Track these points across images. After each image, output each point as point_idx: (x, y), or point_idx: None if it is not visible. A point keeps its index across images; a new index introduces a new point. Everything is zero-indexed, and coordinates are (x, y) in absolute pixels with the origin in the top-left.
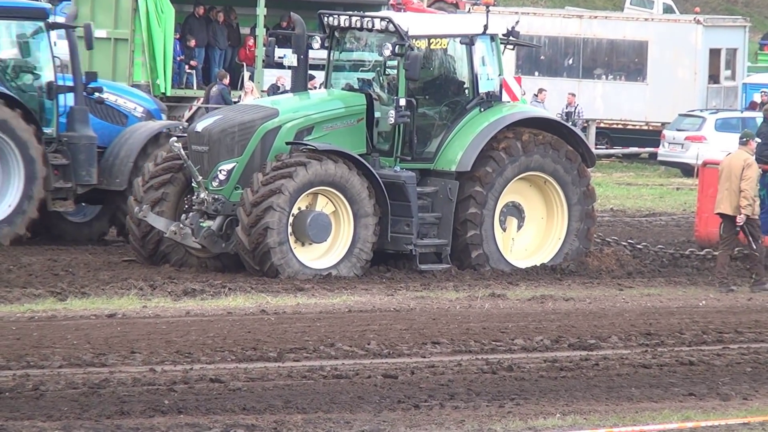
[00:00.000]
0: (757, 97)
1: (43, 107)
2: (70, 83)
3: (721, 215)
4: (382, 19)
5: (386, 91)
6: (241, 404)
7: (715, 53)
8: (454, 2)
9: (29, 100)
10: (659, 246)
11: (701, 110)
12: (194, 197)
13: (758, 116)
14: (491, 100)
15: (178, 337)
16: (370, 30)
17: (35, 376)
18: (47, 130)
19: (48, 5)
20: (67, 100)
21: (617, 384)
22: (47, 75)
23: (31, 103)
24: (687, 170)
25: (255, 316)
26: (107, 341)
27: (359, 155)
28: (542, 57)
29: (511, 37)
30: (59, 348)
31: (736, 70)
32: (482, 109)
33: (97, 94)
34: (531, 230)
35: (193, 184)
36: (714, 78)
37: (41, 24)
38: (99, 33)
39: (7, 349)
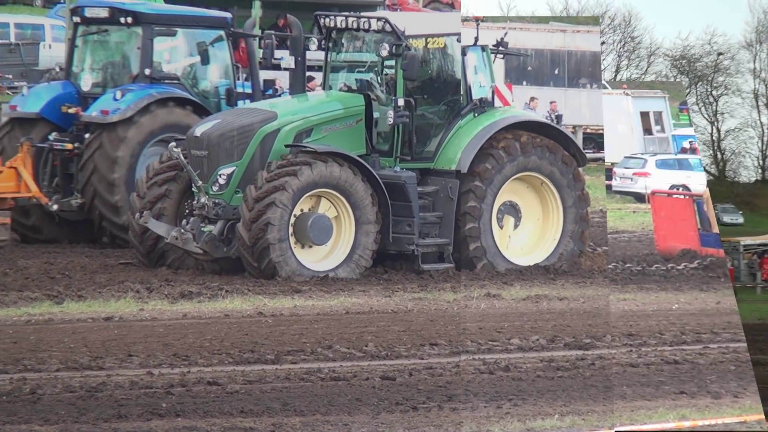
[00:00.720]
0: (686, 144)
1: None
2: (249, 90)
3: None
4: (379, 19)
5: (384, 91)
6: (238, 407)
7: (645, 114)
8: (450, 2)
9: (210, 106)
10: (628, 265)
11: (642, 153)
12: (195, 202)
13: (691, 158)
14: (484, 105)
15: (175, 339)
16: (366, 30)
17: (32, 379)
18: None
19: (228, 15)
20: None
21: (612, 383)
22: (227, 82)
23: (212, 109)
24: (639, 197)
25: (252, 318)
26: (104, 344)
27: (359, 156)
28: (529, 68)
29: (500, 47)
30: (56, 351)
31: (664, 125)
32: (476, 115)
33: None
34: (527, 230)
35: (193, 189)
36: (648, 131)
37: (222, 32)
38: None
39: (4, 353)
